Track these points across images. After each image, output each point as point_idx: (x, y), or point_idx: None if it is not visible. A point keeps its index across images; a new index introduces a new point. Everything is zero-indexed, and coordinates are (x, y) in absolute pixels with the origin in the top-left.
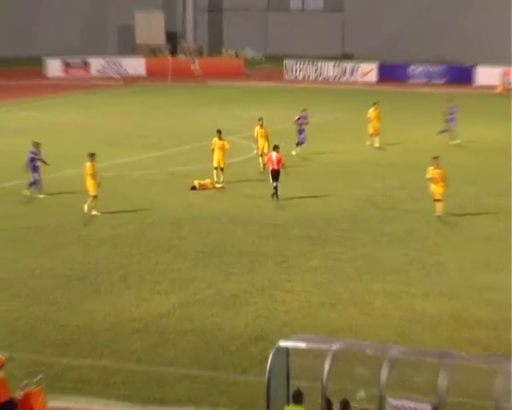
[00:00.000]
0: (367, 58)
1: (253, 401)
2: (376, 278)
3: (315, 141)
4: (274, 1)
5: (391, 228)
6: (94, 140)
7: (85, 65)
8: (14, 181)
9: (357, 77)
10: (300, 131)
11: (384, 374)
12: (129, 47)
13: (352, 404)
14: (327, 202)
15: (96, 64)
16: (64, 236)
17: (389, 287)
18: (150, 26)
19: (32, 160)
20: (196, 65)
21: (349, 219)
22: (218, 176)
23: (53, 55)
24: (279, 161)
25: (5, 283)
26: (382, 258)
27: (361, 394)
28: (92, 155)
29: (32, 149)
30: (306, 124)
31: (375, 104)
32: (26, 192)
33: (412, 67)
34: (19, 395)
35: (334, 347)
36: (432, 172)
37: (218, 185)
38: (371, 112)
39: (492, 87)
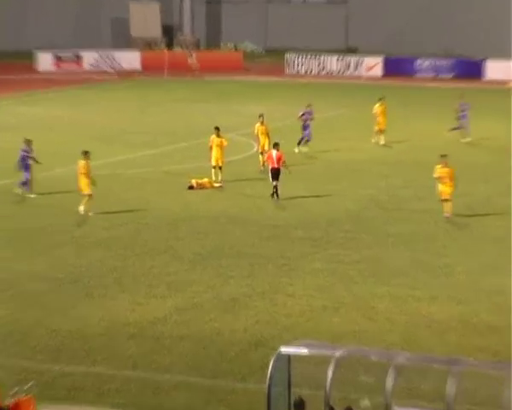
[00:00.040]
0: (372, 51)
1: None
2: (381, 282)
3: (318, 138)
4: None
5: (396, 229)
6: (87, 137)
7: (78, 59)
8: (5, 180)
9: (362, 71)
10: (305, 127)
11: (390, 381)
12: (123, 40)
13: None
14: (330, 202)
15: (89, 58)
16: (56, 237)
17: (394, 290)
18: (145, 18)
19: (24, 158)
20: (194, 59)
21: (353, 219)
22: (216, 175)
23: (44, 48)
24: (279, 159)
25: None
26: (387, 260)
27: (365, 402)
28: (86, 153)
29: (23, 146)
30: (311, 120)
31: (380, 100)
32: (18, 191)
33: (419, 61)
34: (9, 402)
35: (338, 353)
36: (439, 170)
37: (216, 185)
38: (377, 108)
39: (503, 82)
